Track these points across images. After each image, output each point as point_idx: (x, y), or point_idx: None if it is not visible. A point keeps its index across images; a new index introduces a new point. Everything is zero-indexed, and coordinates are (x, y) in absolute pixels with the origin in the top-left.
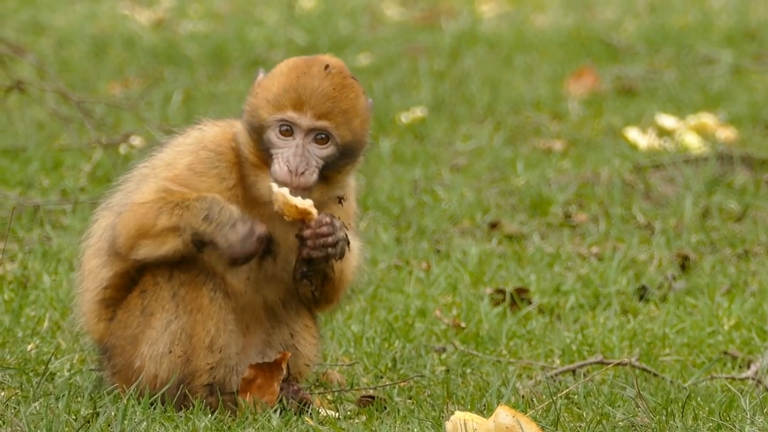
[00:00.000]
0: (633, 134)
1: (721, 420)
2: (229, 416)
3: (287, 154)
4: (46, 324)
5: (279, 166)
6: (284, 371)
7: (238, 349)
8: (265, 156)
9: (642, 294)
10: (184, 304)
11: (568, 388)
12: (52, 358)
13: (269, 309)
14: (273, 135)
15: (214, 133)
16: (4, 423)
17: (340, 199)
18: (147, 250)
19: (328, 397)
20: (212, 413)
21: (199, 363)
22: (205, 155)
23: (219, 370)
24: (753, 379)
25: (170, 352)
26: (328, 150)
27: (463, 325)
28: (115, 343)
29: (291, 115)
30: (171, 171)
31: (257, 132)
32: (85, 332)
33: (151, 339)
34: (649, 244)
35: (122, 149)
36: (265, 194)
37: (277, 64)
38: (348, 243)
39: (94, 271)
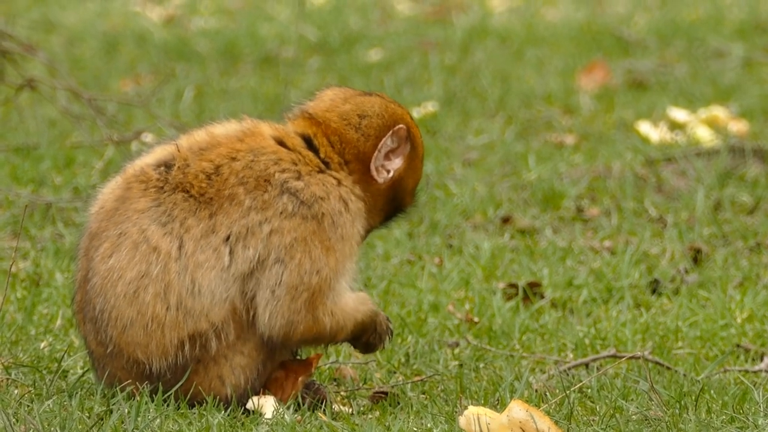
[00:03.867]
0: (644, 128)
1: (734, 413)
2: (243, 413)
3: None
4: (58, 322)
5: None
6: (312, 370)
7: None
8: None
9: (654, 287)
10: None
11: (581, 382)
12: (65, 355)
13: None
14: None
15: (337, 187)
16: (18, 421)
17: None
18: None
19: (342, 392)
20: (226, 410)
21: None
22: (350, 216)
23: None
24: (766, 371)
25: (248, 381)
26: None
27: (476, 319)
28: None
29: None
30: (344, 260)
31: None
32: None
33: (240, 365)
34: (661, 237)
35: (134, 146)
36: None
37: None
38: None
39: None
